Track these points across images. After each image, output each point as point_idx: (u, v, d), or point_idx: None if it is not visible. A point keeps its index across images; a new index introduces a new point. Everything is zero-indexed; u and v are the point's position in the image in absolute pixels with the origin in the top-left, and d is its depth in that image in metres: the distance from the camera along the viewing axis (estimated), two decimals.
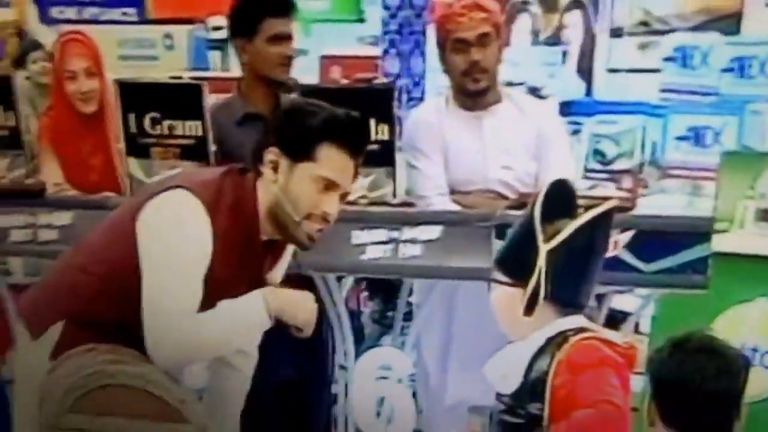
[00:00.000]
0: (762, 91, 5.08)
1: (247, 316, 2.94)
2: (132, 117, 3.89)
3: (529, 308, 2.83)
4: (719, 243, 3.66)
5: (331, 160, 2.95)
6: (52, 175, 4.24)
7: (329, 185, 2.97)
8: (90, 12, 6.81)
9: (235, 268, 2.97)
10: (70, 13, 6.92)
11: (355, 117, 3.01)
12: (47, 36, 5.73)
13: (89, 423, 2.81)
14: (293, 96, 3.99)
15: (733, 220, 3.95)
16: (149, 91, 3.94)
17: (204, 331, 2.89)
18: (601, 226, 2.88)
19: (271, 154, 2.97)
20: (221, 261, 2.93)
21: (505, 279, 2.93)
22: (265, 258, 3.12)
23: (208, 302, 2.92)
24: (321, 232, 3.02)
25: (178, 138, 3.90)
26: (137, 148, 3.93)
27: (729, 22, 5.67)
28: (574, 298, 2.90)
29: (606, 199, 3.06)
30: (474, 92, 4.07)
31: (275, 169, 2.97)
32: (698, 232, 3.58)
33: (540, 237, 2.81)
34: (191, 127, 3.88)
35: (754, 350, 3.93)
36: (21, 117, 4.08)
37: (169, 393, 2.84)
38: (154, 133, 3.91)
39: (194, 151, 3.89)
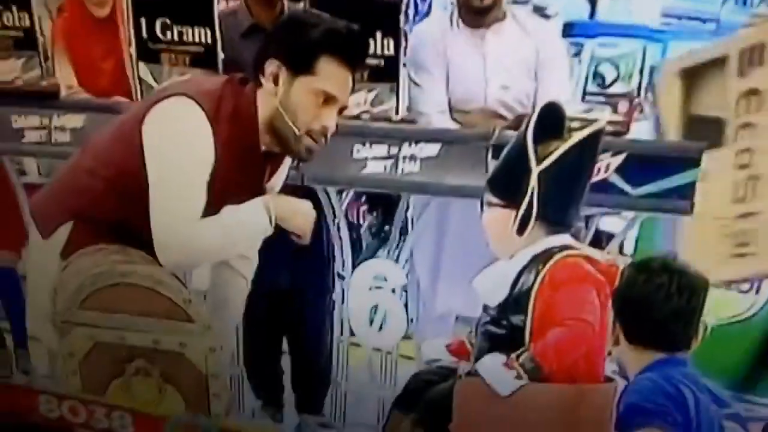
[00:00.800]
0: None
1: (249, 222, 3.01)
2: (143, 21, 3.91)
3: (522, 228, 2.91)
4: None
5: (330, 73, 2.95)
6: (65, 78, 4.26)
7: (328, 99, 2.97)
8: None
9: (236, 176, 3.02)
10: None
11: (355, 29, 2.99)
12: None
13: (99, 319, 2.92)
14: (296, 6, 3.99)
15: None
16: None
17: (208, 235, 2.95)
18: (590, 147, 2.94)
19: (272, 65, 2.96)
20: (222, 169, 2.98)
21: (496, 200, 3.00)
22: (265, 167, 3.17)
23: (211, 209, 2.99)
24: (319, 146, 3.05)
25: (188, 45, 3.93)
26: (148, 53, 3.96)
27: None
28: (564, 218, 2.98)
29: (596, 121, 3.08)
30: (479, 9, 4.08)
31: (275, 80, 2.96)
32: (688, 158, 3.62)
33: (532, 158, 2.87)
34: (201, 34, 3.91)
35: None
36: (35, 18, 4.10)
37: (175, 293, 2.94)
38: (164, 39, 3.93)
39: (203, 59, 3.92)
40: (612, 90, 4.95)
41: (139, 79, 4.01)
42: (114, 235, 3.03)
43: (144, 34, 3.94)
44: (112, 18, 4.34)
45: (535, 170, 2.85)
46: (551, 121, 2.93)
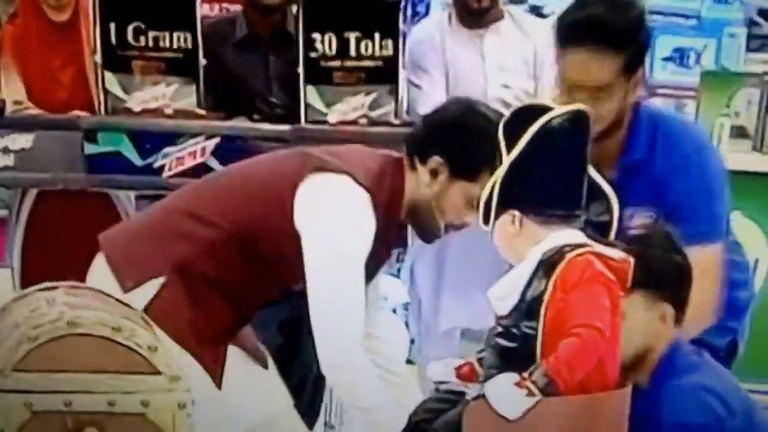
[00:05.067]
0: (737, 15, 4.77)
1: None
2: (112, 27, 3.10)
3: (484, 217, 2.43)
4: None
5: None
6: (12, 92, 3.32)
7: (473, 206, 2.56)
8: None
9: (377, 251, 2.54)
10: None
11: None
12: None
13: (38, 382, 2.07)
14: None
15: (711, 137, 3.60)
16: None
17: (364, 383, 2.48)
18: (574, 133, 2.44)
19: (435, 162, 2.55)
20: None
21: None
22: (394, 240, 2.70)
23: None
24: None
25: (164, 51, 3.17)
26: (116, 61, 3.16)
27: None
28: (554, 207, 2.46)
29: None
30: (477, 11, 3.62)
31: (434, 175, 2.56)
32: None
33: (503, 148, 2.44)
34: (179, 39, 3.16)
35: None
36: None
37: (137, 341, 2.12)
38: (136, 45, 3.16)
39: (181, 65, 3.18)
40: None
41: (105, 90, 3.17)
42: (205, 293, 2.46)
43: (113, 40, 3.11)
44: (74, 22, 3.42)
45: (507, 160, 2.41)
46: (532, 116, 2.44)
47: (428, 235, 2.66)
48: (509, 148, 2.46)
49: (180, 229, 2.48)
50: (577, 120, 2.49)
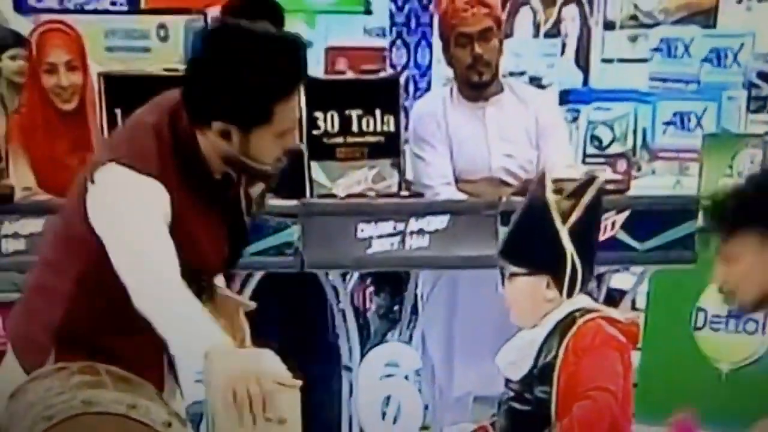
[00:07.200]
0: (736, 78, 4.88)
1: (191, 338, 2.07)
2: (119, 112, 3.07)
3: (571, 291, 2.50)
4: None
5: (286, 113, 2.23)
6: (21, 179, 3.30)
7: (289, 131, 2.27)
8: (74, 1, 5.03)
9: (199, 205, 2.26)
10: (51, 1, 5.09)
11: (292, 52, 2.20)
12: (22, 27, 4.39)
13: None
14: None
15: None
16: (138, 84, 3.05)
17: (178, 306, 2.09)
18: (597, 203, 2.61)
19: (219, 126, 2.20)
20: (183, 206, 2.21)
21: (519, 269, 2.55)
22: (229, 186, 2.36)
23: (186, 251, 2.16)
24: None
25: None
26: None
27: (706, 17, 5.52)
28: (589, 277, 2.60)
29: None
30: (477, 84, 3.61)
31: (225, 137, 2.21)
32: (686, 209, 3.37)
33: (557, 219, 2.51)
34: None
35: (737, 317, 3.74)
36: None
37: (152, 416, 2.10)
38: None
39: None
40: (609, 151, 4.41)
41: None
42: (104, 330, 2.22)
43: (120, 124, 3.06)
44: (81, 110, 3.40)
45: (564, 230, 2.51)
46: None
47: (266, 180, 2.34)
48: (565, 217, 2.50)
49: (42, 290, 2.26)
50: (602, 191, 2.59)
